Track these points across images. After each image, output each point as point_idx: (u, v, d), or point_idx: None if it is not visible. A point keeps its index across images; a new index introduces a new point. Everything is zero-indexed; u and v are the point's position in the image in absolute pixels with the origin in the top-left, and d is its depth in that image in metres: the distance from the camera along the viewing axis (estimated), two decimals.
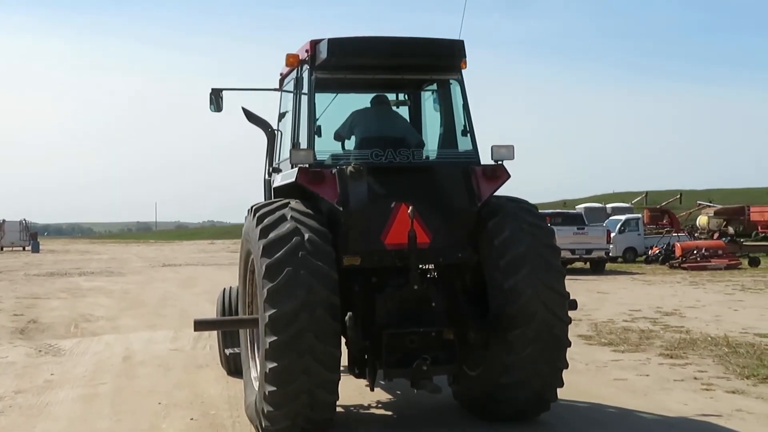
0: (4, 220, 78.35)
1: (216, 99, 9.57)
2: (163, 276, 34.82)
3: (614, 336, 14.85)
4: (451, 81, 9.00)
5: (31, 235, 78.25)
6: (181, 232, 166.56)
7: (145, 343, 14.72)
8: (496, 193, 8.48)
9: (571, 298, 8.40)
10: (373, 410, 9.43)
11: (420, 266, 8.17)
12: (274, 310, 7.33)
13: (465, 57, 8.64)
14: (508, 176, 8.44)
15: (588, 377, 11.09)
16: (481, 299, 8.28)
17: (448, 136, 9.06)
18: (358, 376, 8.22)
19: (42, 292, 26.12)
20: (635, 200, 71.99)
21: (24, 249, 75.33)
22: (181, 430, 8.70)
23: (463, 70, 8.85)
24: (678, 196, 75.79)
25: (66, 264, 46.39)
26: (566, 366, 8.35)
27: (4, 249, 74.66)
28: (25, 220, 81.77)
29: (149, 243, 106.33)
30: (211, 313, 18.35)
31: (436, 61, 8.79)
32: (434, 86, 9.48)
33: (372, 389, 8.30)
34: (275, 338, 7.31)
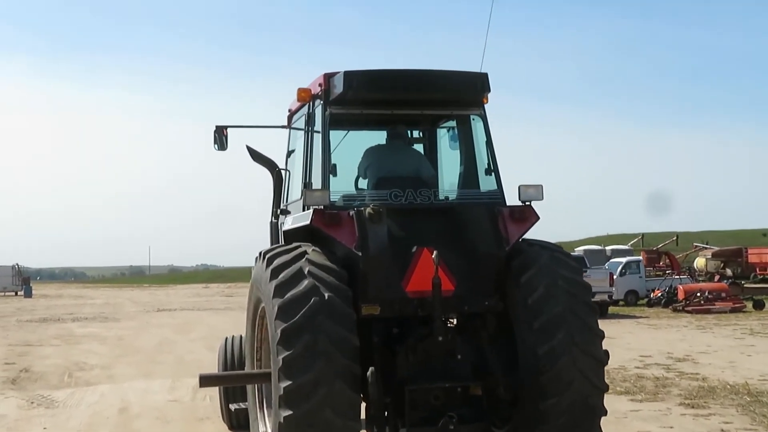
0: None
1: (220, 137, 9.01)
2: (158, 321, 34.21)
3: (629, 384, 14.33)
4: (473, 116, 8.51)
5: (24, 280, 77.61)
6: (174, 276, 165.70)
7: (142, 394, 14.15)
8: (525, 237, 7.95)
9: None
10: None
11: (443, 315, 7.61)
12: (289, 382, 6.73)
13: (489, 91, 8.17)
14: (537, 218, 7.89)
15: (610, 430, 10.52)
16: (506, 349, 7.73)
17: (469, 175, 8.54)
18: None
19: (34, 339, 25.55)
20: (631, 242, 71.56)
21: (17, 294, 74.72)
22: None
23: (485, 105, 8.39)
24: (674, 238, 75.46)
25: (59, 309, 45.74)
26: None
27: None
28: (18, 264, 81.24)
29: (143, 287, 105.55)
30: (209, 360, 17.84)
31: (459, 95, 8.28)
32: (451, 122, 9.00)
33: None
34: (290, 413, 6.72)
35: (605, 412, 7.73)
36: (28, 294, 70.51)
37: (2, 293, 74.65)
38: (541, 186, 7.93)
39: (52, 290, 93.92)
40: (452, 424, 7.06)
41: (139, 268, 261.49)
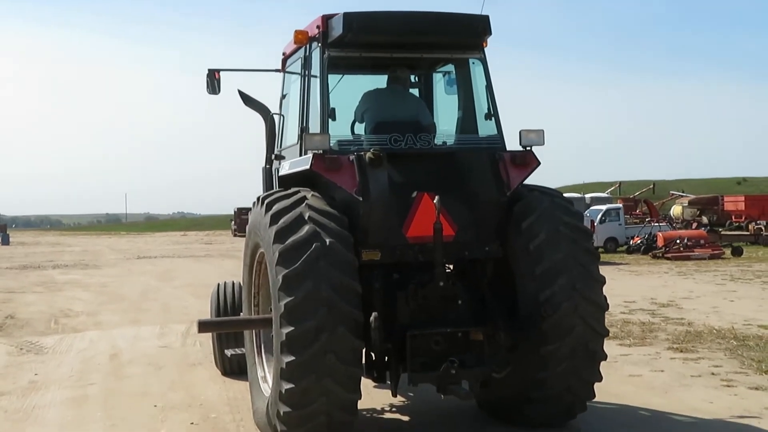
0: None
1: (212, 81, 8.84)
2: (139, 269, 34.07)
3: (616, 329, 14.40)
4: (472, 60, 8.36)
5: (0, 228, 76.94)
6: (151, 224, 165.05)
7: (132, 340, 14.10)
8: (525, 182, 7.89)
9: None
10: (386, 414, 8.88)
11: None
12: (291, 328, 6.69)
13: (490, 34, 8.02)
14: (538, 163, 7.81)
15: (602, 373, 10.60)
16: (506, 294, 7.72)
17: (468, 120, 8.42)
18: (377, 380, 7.62)
19: (16, 286, 25.39)
20: (609, 190, 71.83)
21: None
22: None
23: (485, 48, 8.25)
24: (651, 186, 75.85)
25: (38, 257, 45.48)
26: (600, 379, 7.81)
27: None
28: None
29: (120, 235, 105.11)
30: (195, 307, 17.89)
31: (461, 38, 8.10)
32: (448, 67, 8.87)
33: (395, 395, 7.63)
34: (293, 358, 6.68)
35: (605, 357, 7.80)
36: (6, 241, 70.01)
37: None
38: (543, 131, 7.85)
39: (29, 238, 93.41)
40: (453, 369, 7.03)
41: (115, 216, 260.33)
